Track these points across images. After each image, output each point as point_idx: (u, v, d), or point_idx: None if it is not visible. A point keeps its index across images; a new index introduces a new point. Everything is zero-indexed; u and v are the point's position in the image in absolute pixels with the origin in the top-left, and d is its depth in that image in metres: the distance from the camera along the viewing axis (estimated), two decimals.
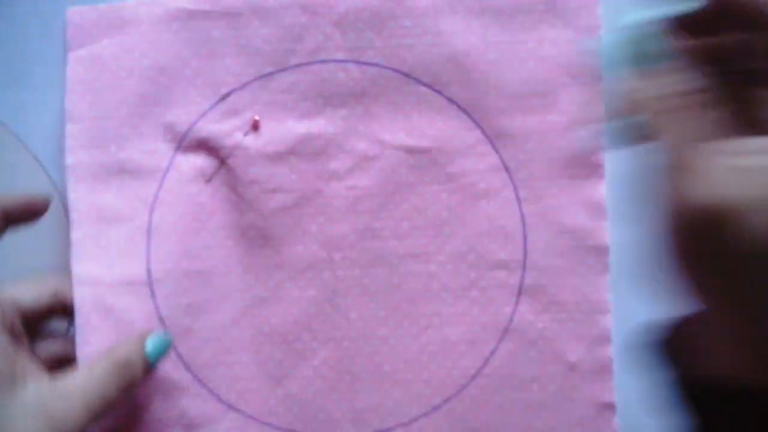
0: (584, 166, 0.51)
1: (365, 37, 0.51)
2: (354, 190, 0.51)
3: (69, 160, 0.51)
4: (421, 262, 0.51)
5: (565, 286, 0.51)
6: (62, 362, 0.48)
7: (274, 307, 0.51)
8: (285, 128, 0.51)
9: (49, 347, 0.49)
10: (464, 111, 0.51)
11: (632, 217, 0.52)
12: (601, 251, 0.51)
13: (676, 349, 0.36)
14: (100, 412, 0.43)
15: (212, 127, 0.51)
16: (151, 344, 0.46)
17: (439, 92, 0.51)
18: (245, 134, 0.51)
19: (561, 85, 0.51)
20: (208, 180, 0.51)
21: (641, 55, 0.33)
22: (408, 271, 0.51)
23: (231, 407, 0.51)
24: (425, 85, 0.51)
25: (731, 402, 0.32)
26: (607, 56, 0.35)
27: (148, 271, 0.50)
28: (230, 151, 0.51)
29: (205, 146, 0.51)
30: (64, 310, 0.49)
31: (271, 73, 0.51)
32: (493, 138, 0.51)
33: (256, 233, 0.51)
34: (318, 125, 0.51)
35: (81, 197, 0.51)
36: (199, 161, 0.51)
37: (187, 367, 0.50)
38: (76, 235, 0.50)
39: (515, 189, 0.51)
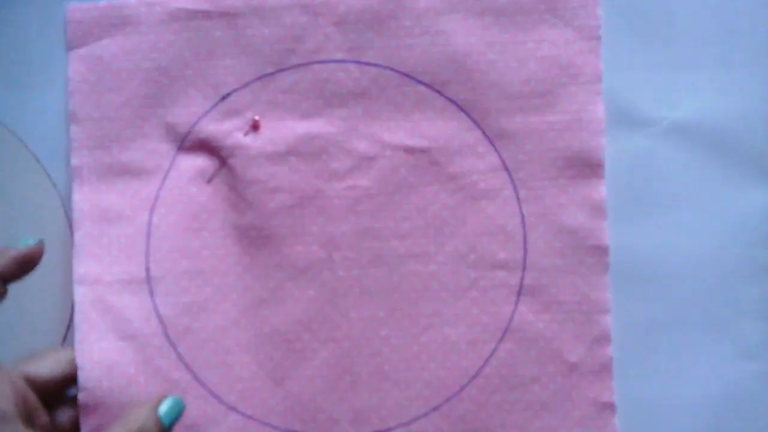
0: (584, 166, 0.51)
1: (365, 37, 0.51)
2: (354, 190, 0.51)
3: (74, 161, 0.51)
4: (421, 262, 0.51)
5: (565, 286, 0.51)
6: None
7: (274, 307, 0.51)
8: (285, 128, 0.51)
9: (70, 412, 0.49)
10: (464, 111, 0.51)
11: (632, 217, 0.52)
12: (601, 251, 0.51)
13: None
14: None
15: (213, 127, 0.51)
16: (164, 409, 0.46)
17: (439, 92, 0.51)
18: (245, 134, 0.51)
19: (561, 85, 0.51)
20: (209, 180, 0.51)
21: None
22: (408, 271, 0.51)
23: (232, 408, 0.51)
24: (425, 85, 0.51)
25: None
26: None
27: (147, 269, 0.50)
28: (231, 151, 0.51)
29: (205, 146, 0.51)
30: None
31: (271, 73, 0.51)
32: (493, 138, 0.51)
33: (256, 233, 0.51)
34: (318, 125, 0.51)
35: (84, 197, 0.51)
36: (199, 161, 0.51)
37: (188, 368, 0.50)
38: (78, 234, 0.50)
39: (515, 189, 0.51)
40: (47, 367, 0.47)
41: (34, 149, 0.52)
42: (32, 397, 0.45)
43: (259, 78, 0.51)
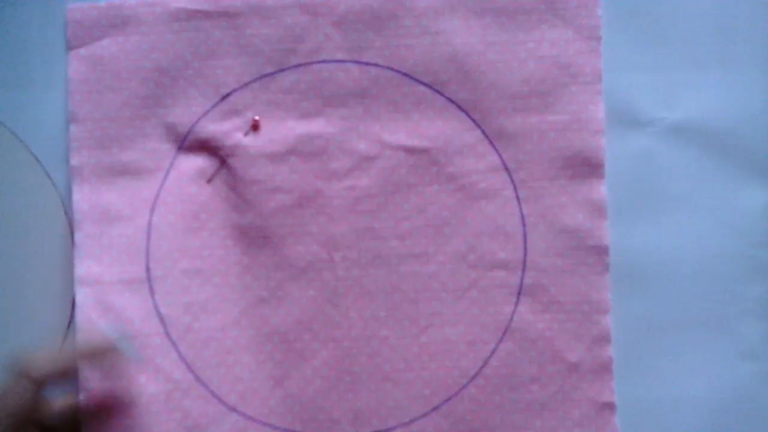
0: (584, 166, 0.51)
1: (365, 37, 0.51)
2: (354, 190, 0.51)
3: (74, 161, 0.51)
4: (421, 262, 0.51)
5: (565, 286, 0.51)
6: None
7: (274, 307, 0.51)
8: (285, 128, 0.51)
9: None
10: (464, 111, 0.51)
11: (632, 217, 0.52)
12: (601, 251, 0.51)
13: None
14: None
15: (213, 127, 0.51)
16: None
17: (438, 92, 0.51)
18: (246, 134, 0.51)
19: (561, 85, 0.51)
20: (209, 180, 0.51)
21: None
22: (408, 271, 0.51)
23: (232, 408, 0.51)
24: (425, 85, 0.51)
25: None
26: None
27: (148, 269, 0.50)
28: (231, 151, 0.51)
29: (205, 146, 0.51)
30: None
31: (271, 73, 0.51)
32: (493, 138, 0.51)
33: (256, 233, 0.51)
34: (318, 125, 0.51)
35: (84, 198, 0.51)
36: (199, 161, 0.51)
37: (189, 367, 0.50)
38: (79, 235, 0.50)
39: (515, 189, 0.51)
40: (51, 366, 0.46)
41: (34, 149, 0.52)
42: (42, 400, 0.45)
43: (259, 78, 0.51)
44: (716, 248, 0.52)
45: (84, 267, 0.50)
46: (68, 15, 0.51)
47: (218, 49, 0.51)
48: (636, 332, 0.52)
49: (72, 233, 0.51)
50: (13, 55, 0.53)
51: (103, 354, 0.47)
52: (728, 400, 0.52)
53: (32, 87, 0.52)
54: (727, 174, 0.52)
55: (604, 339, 0.50)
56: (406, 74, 0.51)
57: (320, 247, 0.51)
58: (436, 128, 0.51)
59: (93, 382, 0.49)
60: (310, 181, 0.51)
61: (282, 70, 0.51)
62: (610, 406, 0.50)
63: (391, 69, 0.51)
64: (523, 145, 0.51)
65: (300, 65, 0.51)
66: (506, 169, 0.51)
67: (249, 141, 0.51)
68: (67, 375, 0.46)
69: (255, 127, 0.51)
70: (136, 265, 0.50)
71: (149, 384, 0.50)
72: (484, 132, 0.51)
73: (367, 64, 0.51)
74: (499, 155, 0.51)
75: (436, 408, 0.51)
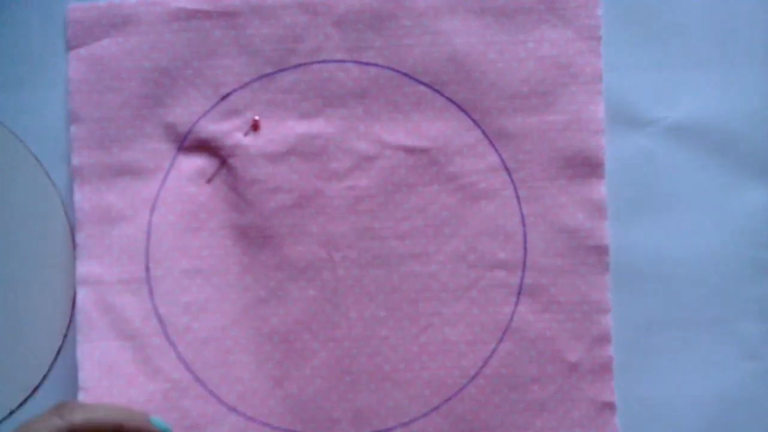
0: (584, 165, 0.51)
1: (365, 37, 0.51)
2: (354, 190, 0.51)
3: (74, 161, 0.51)
4: (421, 262, 0.51)
5: (564, 286, 0.51)
6: None
7: (274, 307, 0.51)
8: (285, 128, 0.51)
9: None
10: (464, 111, 0.51)
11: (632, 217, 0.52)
12: (601, 251, 0.51)
13: None
14: None
15: (213, 127, 0.51)
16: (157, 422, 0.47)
17: (438, 92, 0.51)
18: (245, 134, 0.51)
19: (561, 84, 0.51)
20: (209, 180, 0.51)
21: None
22: (408, 271, 0.51)
23: (232, 408, 0.51)
24: (425, 84, 0.51)
25: None
26: None
27: (147, 269, 0.51)
28: (231, 151, 0.51)
29: (205, 146, 0.51)
30: None
31: (271, 73, 0.51)
32: (493, 138, 0.51)
33: (256, 233, 0.51)
34: (318, 125, 0.51)
35: (86, 198, 0.51)
36: (199, 161, 0.51)
37: (187, 367, 0.50)
38: (80, 235, 0.51)
39: (515, 189, 0.51)
40: (88, 416, 0.45)
41: (34, 149, 0.52)
42: None
43: (259, 78, 0.51)
44: (716, 248, 0.52)
45: (85, 267, 0.50)
46: (68, 15, 0.51)
47: (218, 49, 0.51)
48: (636, 332, 0.52)
49: (72, 233, 0.51)
50: (13, 55, 0.53)
51: (136, 428, 0.46)
52: (728, 400, 0.52)
53: (32, 87, 0.52)
54: (727, 174, 0.52)
55: (604, 339, 0.50)
56: (406, 74, 0.51)
57: (320, 247, 0.51)
58: (436, 128, 0.51)
59: (93, 382, 0.49)
60: (310, 181, 0.51)
61: (282, 70, 0.51)
62: (610, 406, 0.50)
63: (391, 69, 0.51)
64: (523, 144, 0.51)
65: (300, 65, 0.51)
66: (506, 169, 0.51)
67: (249, 141, 0.51)
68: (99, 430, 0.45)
69: (255, 127, 0.51)
70: (136, 265, 0.50)
71: (147, 383, 0.50)
72: (484, 132, 0.51)
73: (367, 64, 0.51)
74: (499, 155, 0.51)
75: (436, 408, 0.51)
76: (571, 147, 0.51)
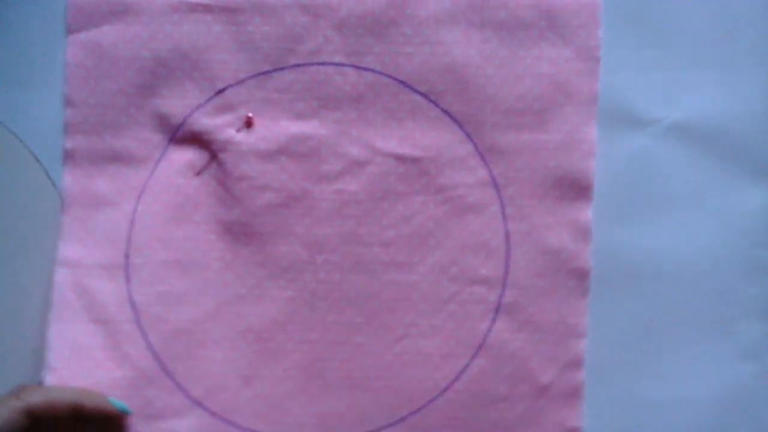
0: (573, 187, 0.50)
1: (365, 42, 0.51)
2: (342, 194, 0.51)
3: (67, 144, 0.51)
4: (402, 272, 0.51)
5: (543, 307, 0.50)
6: None
7: (252, 305, 0.51)
8: (278, 127, 0.51)
9: None
10: (458, 123, 0.51)
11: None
12: (582, 275, 0.50)
13: None
14: None
15: (206, 120, 0.51)
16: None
17: (434, 102, 0.51)
18: (238, 130, 0.51)
19: (556, 104, 0.50)
20: (198, 173, 0.52)
21: None
22: (389, 279, 0.51)
23: (197, 403, 0.51)
24: (421, 94, 0.51)
25: None
26: None
27: (127, 256, 0.51)
28: (222, 146, 0.51)
29: (197, 139, 0.51)
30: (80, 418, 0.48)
31: (268, 72, 0.51)
32: (485, 152, 0.51)
33: (241, 229, 0.51)
34: (311, 126, 0.51)
35: (75, 181, 0.51)
36: (190, 153, 0.52)
37: (156, 357, 0.50)
38: (66, 217, 0.51)
39: (502, 205, 0.51)
40: (46, 398, 0.45)
41: (34, 149, 0.53)
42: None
43: (256, 75, 0.51)
44: (716, 248, 0.52)
45: (67, 249, 0.51)
46: None
47: (217, 44, 0.51)
48: (636, 332, 0.51)
49: None
50: (13, 55, 0.53)
51: (95, 408, 0.47)
52: (728, 400, 0.51)
53: (32, 86, 0.53)
54: (727, 174, 0.52)
55: (577, 363, 0.50)
56: (402, 82, 0.51)
57: (303, 249, 0.51)
58: (429, 138, 0.51)
59: (61, 362, 0.49)
60: (298, 182, 0.51)
61: (279, 69, 0.51)
62: (575, 431, 0.50)
63: (389, 76, 0.51)
64: (514, 161, 0.51)
65: (298, 65, 0.51)
66: (495, 184, 0.51)
67: (241, 137, 0.51)
68: (57, 415, 0.45)
69: (248, 123, 0.51)
70: (116, 251, 0.51)
71: (115, 369, 0.50)
72: (476, 146, 0.51)
73: (364, 69, 0.51)
74: (489, 170, 0.51)
75: (402, 419, 0.50)
76: (562, 167, 0.50)
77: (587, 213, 0.50)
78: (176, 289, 0.51)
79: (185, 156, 0.52)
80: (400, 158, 0.51)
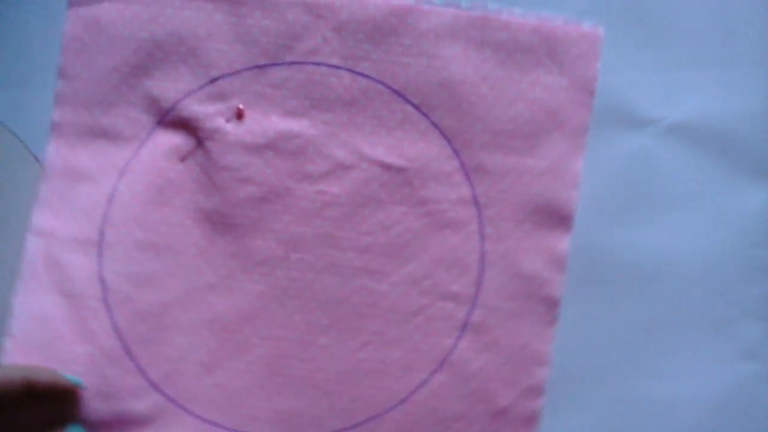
0: (553, 215, 0.50)
1: (363, 47, 0.51)
2: (324, 195, 0.51)
3: (55, 115, 0.51)
4: (374, 279, 0.51)
5: (510, 330, 0.50)
6: None
7: (221, 295, 0.51)
8: (268, 122, 0.51)
9: None
10: (446, 138, 0.51)
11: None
12: (552, 303, 0.50)
13: None
14: None
15: (196, 107, 0.51)
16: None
17: (425, 115, 0.51)
18: (228, 120, 0.51)
19: (546, 130, 0.50)
20: (183, 158, 0.52)
21: None
22: (360, 285, 0.51)
23: (155, 386, 0.50)
24: (413, 105, 0.51)
25: None
26: None
27: (101, 233, 0.51)
28: (209, 134, 0.51)
29: (185, 125, 0.51)
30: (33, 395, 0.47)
31: (264, 66, 0.51)
32: (470, 170, 0.51)
33: (219, 219, 0.51)
34: (301, 125, 0.51)
35: (58, 152, 0.51)
36: (177, 138, 0.52)
37: (119, 336, 0.50)
38: (44, 187, 0.51)
39: (481, 225, 0.51)
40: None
41: (34, 149, 0.53)
42: None
43: (251, 68, 0.51)
44: (716, 248, 0.52)
45: (42, 219, 0.51)
46: None
47: (216, 33, 0.51)
48: (636, 332, 0.51)
49: None
50: (13, 55, 0.53)
51: (48, 383, 0.47)
52: (728, 400, 0.52)
53: (32, 87, 0.53)
54: (727, 174, 0.52)
55: (536, 390, 0.50)
56: (396, 91, 0.51)
57: (279, 245, 0.51)
58: (417, 150, 0.51)
59: (23, 331, 0.49)
60: (282, 178, 0.51)
61: (275, 65, 0.51)
62: None
63: (383, 83, 0.51)
64: (498, 183, 0.51)
65: (294, 63, 0.51)
66: (477, 203, 0.51)
67: (230, 128, 0.51)
68: (9, 392, 0.45)
69: (239, 115, 0.51)
70: (92, 227, 0.51)
71: (76, 344, 0.50)
72: (462, 163, 0.51)
73: (360, 74, 0.51)
74: (473, 189, 0.51)
75: (357, 425, 0.50)
76: (544, 195, 0.50)
77: (564, 243, 0.50)
78: (147, 270, 0.51)
79: (172, 140, 0.52)
80: (386, 166, 0.51)
